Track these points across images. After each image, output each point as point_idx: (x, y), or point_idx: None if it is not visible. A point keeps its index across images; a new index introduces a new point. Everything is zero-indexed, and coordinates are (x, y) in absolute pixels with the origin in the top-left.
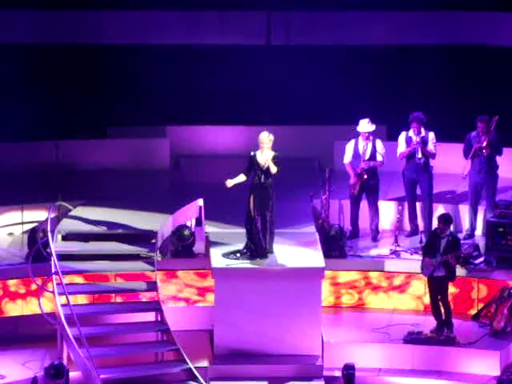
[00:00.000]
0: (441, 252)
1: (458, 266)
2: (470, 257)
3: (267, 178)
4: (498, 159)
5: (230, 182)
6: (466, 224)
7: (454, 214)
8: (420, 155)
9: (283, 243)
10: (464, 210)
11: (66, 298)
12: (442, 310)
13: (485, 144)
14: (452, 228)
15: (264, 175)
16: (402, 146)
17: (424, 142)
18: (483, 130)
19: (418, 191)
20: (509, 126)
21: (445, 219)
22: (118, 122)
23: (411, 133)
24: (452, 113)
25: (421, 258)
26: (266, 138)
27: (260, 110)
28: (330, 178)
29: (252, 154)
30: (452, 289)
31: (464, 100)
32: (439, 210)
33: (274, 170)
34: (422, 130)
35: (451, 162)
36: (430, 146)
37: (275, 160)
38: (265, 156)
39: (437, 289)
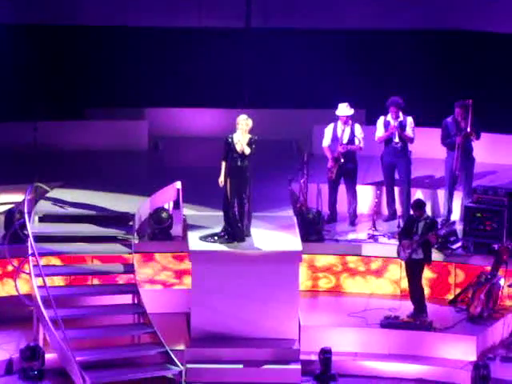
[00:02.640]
0: (419, 234)
1: (434, 251)
2: (448, 240)
3: (243, 161)
4: (476, 143)
5: (221, 181)
6: (443, 209)
7: (432, 198)
8: (397, 140)
9: (261, 226)
10: (442, 195)
11: (43, 279)
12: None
13: (469, 130)
14: (430, 213)
15: (240, 158)
16: (380, 131)
17: (402, 126)
18: (462, 115)
19: (397, 176)
20: (486, 110)
21: (417, 205)
22: (96, 103)
23: (389, 117)
24: (431, 98)
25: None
26: (243, 120)
27: (239, 93)
28: (308, 161)
29: (228, 137)
30: (429, 273)
31: (443, 85)
32: (417, 194)
33: (247, 151)
34: (400, 114)
35: (429, 147)
36: (408, 131)
37: (250, 142)
38: (237, 137)
39: (413, 272)
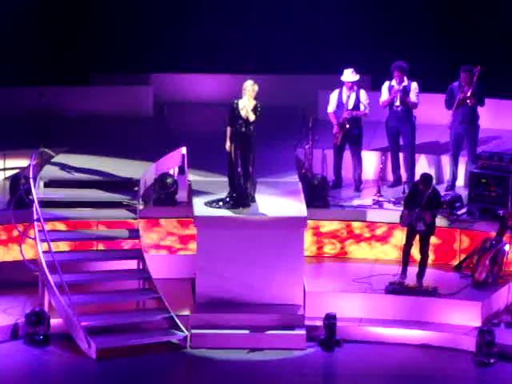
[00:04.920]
0: (421, 206)
1: (439, 217)
2: (453, 206)
3: (248, 127)
4: (480, 109)
5: (228, 147)
6: (447, 175)
7: (437, 164)
8: (398, 103)
9: (266, 192)
10: (446, 161)
11: (48, 244)
12: (419, 259)
13: (469, 94)
14: (435, 179)
15: (245, 124)
16: (384, 95)
17: (406, 91)
18: (466, 80)
19: (401, 141)
20: (491, 76)
21: (425, 180)
22: (102, 68)
23: (394, 82)
24: (437, 63)
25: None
26: (250, 86)
27: (245, 59)
28: (313, 127)
29: (234, 102)
30: (434, 240)
31: (449, 50)
32: (422, 160)
33: (252, 117)
34: (405, 79)
35: (435, 113)
36: (412, 96)
37: (255, 108)
38: (243, 103)
39: (416, 239)
